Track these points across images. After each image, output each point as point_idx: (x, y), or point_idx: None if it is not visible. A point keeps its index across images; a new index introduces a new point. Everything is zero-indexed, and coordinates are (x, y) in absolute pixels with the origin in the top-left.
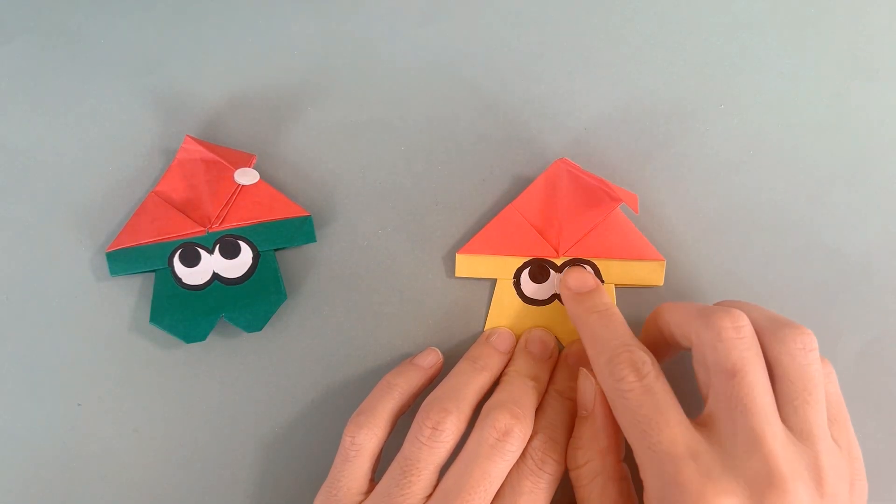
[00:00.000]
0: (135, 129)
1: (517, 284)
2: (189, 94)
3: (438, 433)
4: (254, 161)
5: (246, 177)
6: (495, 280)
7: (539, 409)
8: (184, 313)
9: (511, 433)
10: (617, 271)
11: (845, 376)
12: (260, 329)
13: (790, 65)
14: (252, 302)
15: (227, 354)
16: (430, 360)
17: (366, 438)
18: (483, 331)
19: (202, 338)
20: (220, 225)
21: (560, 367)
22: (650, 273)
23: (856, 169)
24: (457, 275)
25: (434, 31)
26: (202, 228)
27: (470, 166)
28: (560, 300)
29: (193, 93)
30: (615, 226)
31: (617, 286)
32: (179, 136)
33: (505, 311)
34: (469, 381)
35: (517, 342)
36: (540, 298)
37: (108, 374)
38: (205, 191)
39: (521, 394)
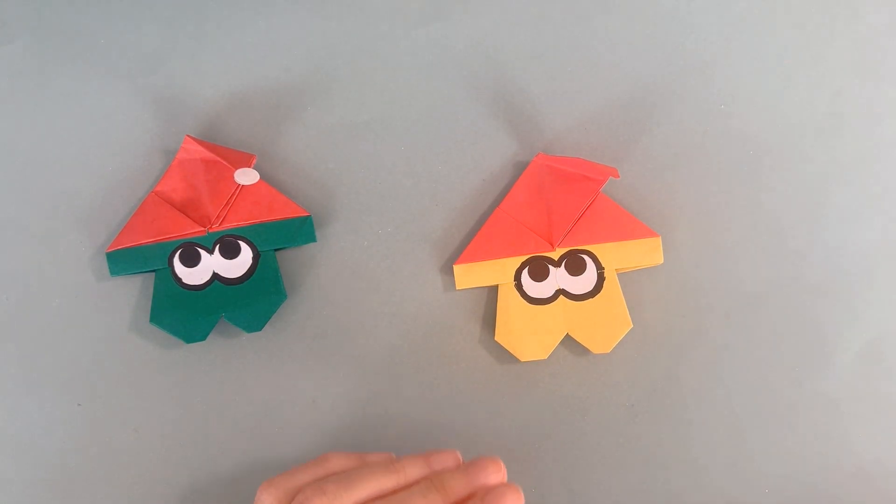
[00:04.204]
0: (135, 129)
1: (519, 286)
2: (189, 94)
3: None
4: (254, 161)
5: (246, 177)
6: (496, 287)
7: None
8: (184, 313)
9: None
10: (614, 255)
11: (845, 376)
12: (260, 329)
13: (790, 65)
14: (252, 302)
15: (227, 354)
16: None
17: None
18: (495, 339)
19: (202, 338)
20: (220, 225)
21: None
22: (648, 252)
23: (855, 169)
24: (457, 287)
25: (434, 31)
26: (202, 228)
27: (470, 166)
28: (565, 295)
29: (193, 93)
30: (603, 210)
31: (619, 272)
32: (179, 136)
33: (512, 316)
34: (371, 476)
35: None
36: (544, 297)
37: (108, 374)
38: (205, 191)
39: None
